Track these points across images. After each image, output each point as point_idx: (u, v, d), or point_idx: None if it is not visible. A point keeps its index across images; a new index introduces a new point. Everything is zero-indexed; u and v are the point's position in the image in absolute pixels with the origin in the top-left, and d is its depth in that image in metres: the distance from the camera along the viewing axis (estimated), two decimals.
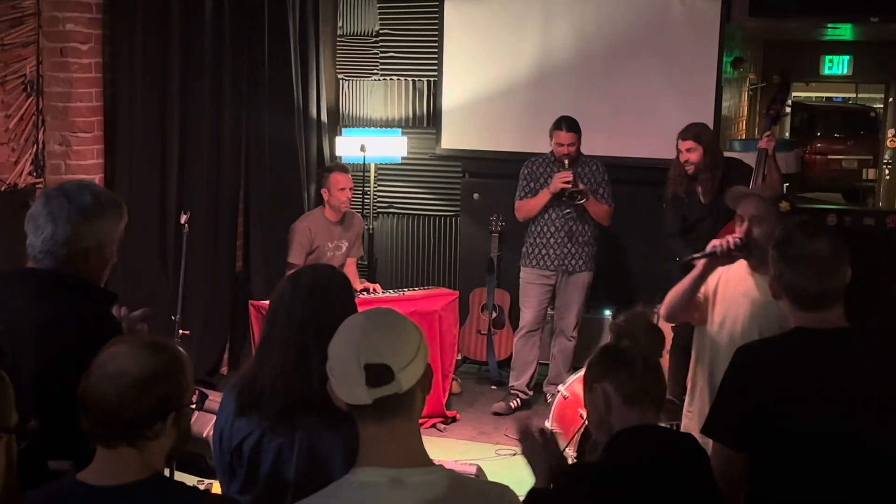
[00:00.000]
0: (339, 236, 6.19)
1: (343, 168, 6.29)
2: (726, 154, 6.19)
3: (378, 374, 1.81)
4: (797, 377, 2.39)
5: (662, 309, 3.62)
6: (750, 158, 5.73)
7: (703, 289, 3.44)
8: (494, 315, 6.82)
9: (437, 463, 1.92)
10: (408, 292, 6.27)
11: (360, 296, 6.07)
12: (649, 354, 2.36)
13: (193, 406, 2.12)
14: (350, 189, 6.16)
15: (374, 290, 6.20)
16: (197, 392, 2.17)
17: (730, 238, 3.32)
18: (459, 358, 6.66)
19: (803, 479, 2.37)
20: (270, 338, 2.51)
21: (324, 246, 6.12)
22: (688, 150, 5.51)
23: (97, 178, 5.47)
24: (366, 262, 6.91)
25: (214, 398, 5.06)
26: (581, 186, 5.87)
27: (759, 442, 2.39)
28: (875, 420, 2.36)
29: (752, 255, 3.30)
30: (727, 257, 3.35)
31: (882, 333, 2.53)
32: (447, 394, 6.11)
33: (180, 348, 2.10)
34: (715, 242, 3.35)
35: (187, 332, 5.44)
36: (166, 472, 2.22)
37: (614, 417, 2.32)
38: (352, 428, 2.41)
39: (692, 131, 5.56)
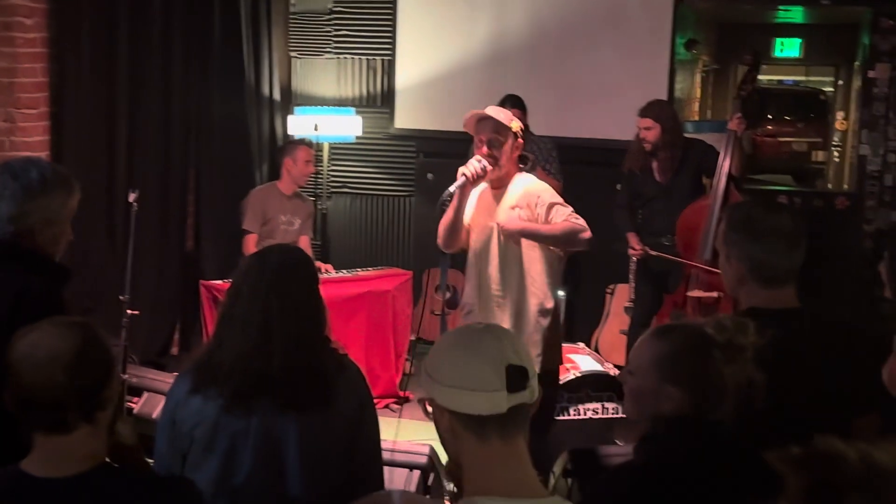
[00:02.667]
0: (291, 211, 6.16)
1: (310, 144, 6.39)
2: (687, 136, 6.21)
3: (519, 377, 1.66)
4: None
5: (439, 239, 3.98)
6: (704, 139, 5.77)
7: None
8: (448, 295, 6.78)
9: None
10: (361, 272, 6.24)
11: (339, 274, 6.05)
12: None
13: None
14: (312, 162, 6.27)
15: (326, 270, 6.16)
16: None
17: (474, 163, 3.81)
18: (413, 338, 6.64)
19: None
20: (231, 315, 2.45)
21: (276, 218, 6.09)
22: (646, 129, 5.51)
23: (43, 156, 5.36)
24: (319, 243, 6.86)
25: (163, 379, 5.04)
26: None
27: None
28: (822, 403, 2.37)
29: (495, 172, 3.83)
30: (477, 180, 3.84)
31: (830, 313, 2.55)
32: (401, 374, 6.10)
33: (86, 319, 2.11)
34: (463, 170, 3.81)
35: (136, 312, 5.35)
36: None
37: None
38: (305, 416, 2.38)
39: (652, 110, 5.55)
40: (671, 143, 5.52)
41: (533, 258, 3.87)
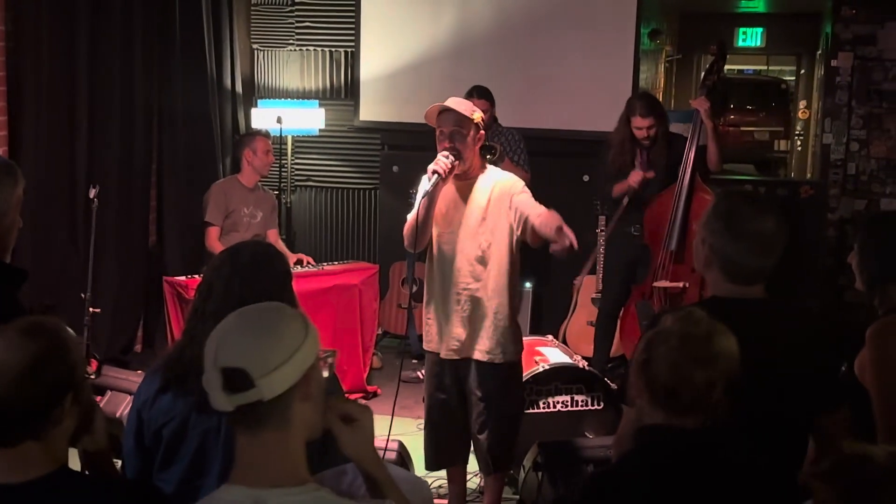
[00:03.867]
0: (254, 204, 6.10)
1: (267, 134, 6.33)
2: None
3: (234, 378, 1.67)
4: None
5: (406, 240, 3.84)
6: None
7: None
8: (415, 288, 6.74)
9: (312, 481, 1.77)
10: (327, 266, 6.18)
11: (296, 268, 5.98)
12: None
13: (92, 376, 2.05)
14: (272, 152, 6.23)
15: (308, 262, 6.13)
16: (94, 363, 2.10)
17: (442, 159, 3.71)
18: (380, 332, 6.61)
19: None
20: (203, 311, 2.41)
21: (239, 211, 6.03)
22: (648, 128, 5.35)
23: (0, 152, 5.25)
24: (284, 237, 6.80)
25: (126, 377, 4.96)
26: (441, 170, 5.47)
27: None
28: (785, 388, 2.37)
29: (460, 165, 3.74)
30: (448, 176, 3.74)
31: (796, 301, 2.54)
32: (368, 368, 6.06)
33: (56, 319, 2.00)
34: (435, 168, 3.69)
35: (98, 310, 5.28)
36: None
37: None
38: None
39: (653, 108, 5.39)
40: (665, 138, 5.45)
41: (498, 253, 3.84)
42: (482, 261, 3.83)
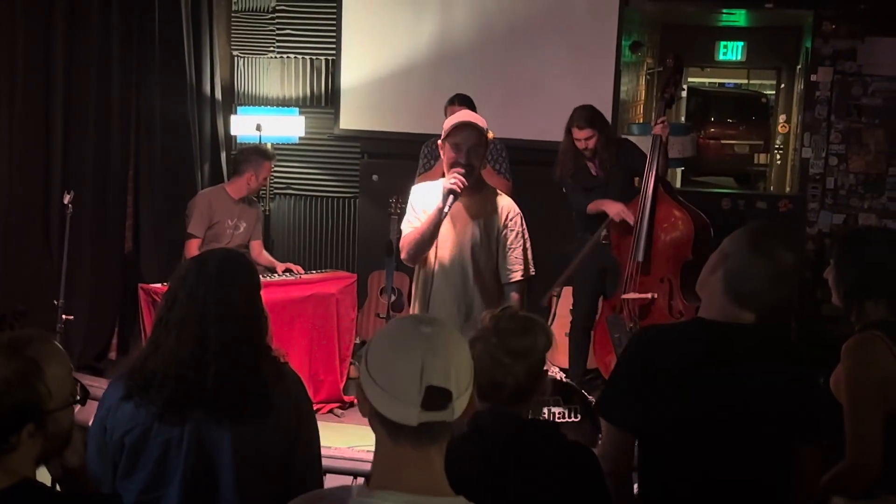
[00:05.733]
0: (238, 215, 6.03)
1: (273, 156, 6.20)
2: (624, 136, 6.21)
3: (439, 398, 1.62)
4: (686, 366, 2.37)
5: (406, 254, 3.82)
6: (647, 142, 5.75)
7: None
8: (393, 298, 6.73)
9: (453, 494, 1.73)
10: (305, 275, 6.14)
11: (284, 276, 5.93)
12: None
13: (78, 400, 2.00)
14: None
15: (298, 271, 6.06)
16: (79, 386, 2.03)
17: (457, 174, 3.66)
18: (358, 342, 6.57)
19: (685, 464, 2.38)
20: (167, 321, 2.37)
21: (224, 222, 5.96)
22: (587, 139, 5.46)
23: None
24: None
25: (100, 384, 4.90)
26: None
27: (646, 425, 2.40)
28: (759, 412, 2.34)
29: (472, 178, 3.71)
30: (463, 192, 3.69)
31: (772, 328, 2.50)
32: (345, 378, 6.02)
33: (49, 343, 1.94)
34: (450, 186, 3.65)
35: (71, 317, 5.22)
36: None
37: None
38: (240, 426, 2.31)
39: (590, 120, 5.45)
40: (608, 143, 5.51)
41: (489, 261, 3.83)
42: (474, 269, 3.80)
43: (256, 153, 6.09)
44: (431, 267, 3.86)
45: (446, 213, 3.69)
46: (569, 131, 5.52)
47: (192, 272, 2.40)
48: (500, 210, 3.85)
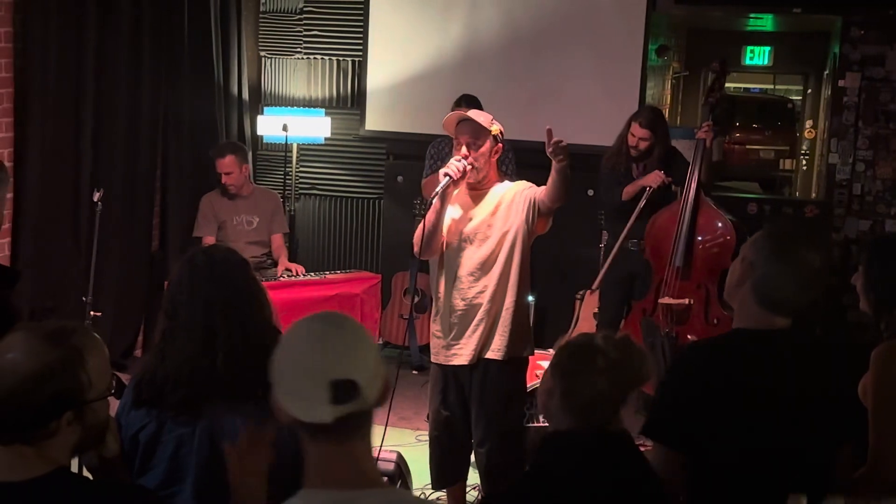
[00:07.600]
0: (245, 210, 6.06)
1: (220, 152, 6.08)
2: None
3: (345, 390, 1.63)
4: (739, 379, 2.36)
5: (416, 246, 3.86)
6: (681, 146, 5.74)
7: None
8: (417, 299, 6.75)
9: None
10: (329, 275, 6.18)
11: (283, 277, 5.96)
12: None
13: (114, 392, 2.03)
14: (234, 172, 6.01)
15: (298, 272, 6.07)
16: (115, 379, 2.07)
17: (455, 163, 3.76)
18: (381, 342, 6.60)
19: (735, 481, 2.36)
20: (172, 329, 2.41)
21: (229, 220, 6.01)
22: (641, 139, 5.41)
23: (6, 153, 5.26)
24: (287, 244, 6.80)
25: (126, 381, 4.94)
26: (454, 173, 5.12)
27: (695, 443, 2.37)
28: (806, 425, 2.35)
29: (472, 174, 3.79)
30: (460, 180, 3.78)
31: (805, 332, 2.50)
32: None
33: (91, 336, 1.97)
34: (446, 171, 3.74)
35: (99, 314, 5.27)
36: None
37: None
38: (253, 406, 2.33)
39: (650, 121, 5.44)
40: (659, 155, 5.46)
41: (506, 259, 3.85)
42: (489, 268, 3.83)
43: (214, 151, 6.14)
44: (442, 262, 3.94)
45: (437, 194, 3.75)
46: (628, 124, 5.50)
47: (185, 274, 2.45)
48: (513, 195, 3.89)
